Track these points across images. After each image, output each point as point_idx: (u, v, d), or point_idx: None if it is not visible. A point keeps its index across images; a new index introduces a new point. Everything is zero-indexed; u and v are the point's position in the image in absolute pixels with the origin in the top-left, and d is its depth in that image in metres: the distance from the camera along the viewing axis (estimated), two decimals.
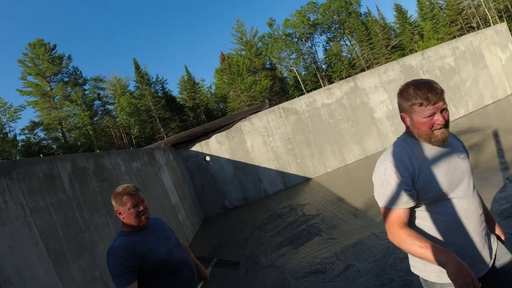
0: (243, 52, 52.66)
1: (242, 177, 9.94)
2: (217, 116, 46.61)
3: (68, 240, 3.67)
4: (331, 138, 10.05)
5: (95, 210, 4.39)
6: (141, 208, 2.21)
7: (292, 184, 10.01)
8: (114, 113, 43.13)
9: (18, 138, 36.58)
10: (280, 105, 10.20)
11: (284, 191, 9.79)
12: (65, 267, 3.44)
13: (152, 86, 47.35)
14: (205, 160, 9.95)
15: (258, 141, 9.98)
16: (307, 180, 9.98)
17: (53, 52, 41.51)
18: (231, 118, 10.21)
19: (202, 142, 9.96)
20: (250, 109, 10.47)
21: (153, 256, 2.15)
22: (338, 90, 10.09)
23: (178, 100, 50.85)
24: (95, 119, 41.25)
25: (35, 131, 39.04)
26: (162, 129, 42.71)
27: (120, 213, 2.20)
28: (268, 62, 54.37)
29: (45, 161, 3.99)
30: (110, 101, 45.03)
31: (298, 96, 11.46)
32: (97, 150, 34.13)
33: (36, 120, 39.53)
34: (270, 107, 10.46)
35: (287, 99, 39.60)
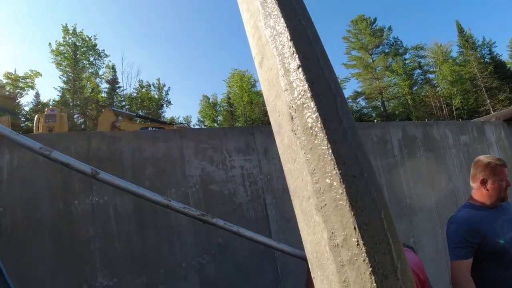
0: None
1: None
2: None
3: (391, 203, 3.91)
4: None
5: (419, 179, 4.44)
6: (509, 183, 2.14)
7: None
8: (434, 82, 41.15)
9: None
10: None
11: None
12: None
13: (478, 50, 41.02)
14: None
15: None
16: None
17: (373, 25, 43.50)
18: None
19: None
20: None
21: (494, 240, 2.00)
22: None
23: (508, 66, 41.80)
24: (415, 88, 40.98)
25: (357, 100, 43.88)
26: (488, 101, 36.93)
27: (485, 183, 2.14)
28: None
29: (379, 126, 4.35)
30: (430, 70, 43.13)
31: None
32: (415, 120, 34.16)
33: (359, 90, 44.09)
34: None
35: None
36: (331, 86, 0.58)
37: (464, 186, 5.25)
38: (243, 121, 37.77)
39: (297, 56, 0.56)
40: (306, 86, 0.55)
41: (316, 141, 0.54)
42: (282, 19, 0.58)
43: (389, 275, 0.47)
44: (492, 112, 31.51)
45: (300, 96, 0.56)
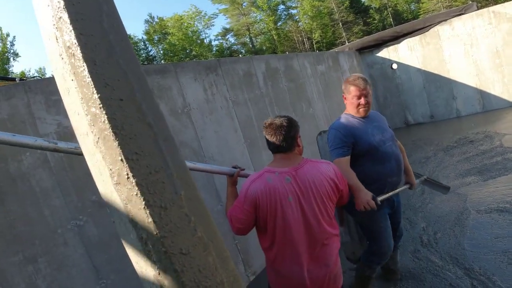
0: None
1: (432, 91, 8.81)
2: (406, 19, 41.03)
3: (261, 131, 4.13)
4: None
5: (284, 107, 4.74)
6: (362, 102, 2.41)
7: (493, 107, 8.32)
8: (297, 17, 43.39)
9: (213, 43, 42.00)
10: (491, 8, 8.05)
11: (481, 114, 8.32)
12: (256, 152, 3.93)
13: None
14: (392, 68, 9.15)
15: (458, 50, 8.40)
16: None
17: None
18: (428, 20, 8.75)
19: (390, 47, 9.03)
20: (452, 10, 8.69)
21: (366, 140, 2.38)
22: None
23: (363, 1, 46.68)
24: (279, 24, 42.56)
25: (226, 37, 43.74)
26: (344, 34, 41.00)
27: (345, 98, 2.51)
28: None
29: (244, 61, 4.40)
30: (293, 5, 45.08)
31: None
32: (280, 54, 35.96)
33: (227, 26, 43.78)
34: (477, 9, 8.42)
35: (496, 3, 31.11)
36: None
37: (322, 109, 5.85)
38: None
39: None
40: None
41: (75, 62, 0.43)
42: None
43: (170, 205, 0.43)
44: (347, 43, 35.26)
45: (57, 8, 0.44)
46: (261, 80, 4.50)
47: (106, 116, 0.43)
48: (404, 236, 3.72)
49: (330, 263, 1.81)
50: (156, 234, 0.42)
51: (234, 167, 2.08)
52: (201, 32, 41.50)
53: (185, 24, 39.54)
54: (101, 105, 0.43)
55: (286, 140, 1.78)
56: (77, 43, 0.43)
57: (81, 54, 0.43)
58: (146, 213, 0.42)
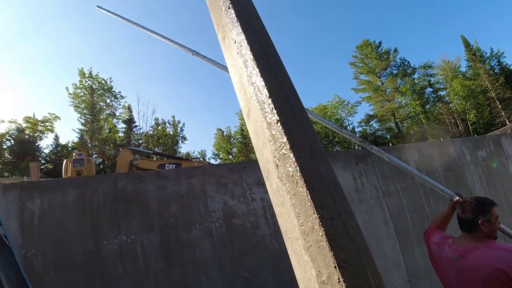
0: None
1: None
2: None
3: (414, 224, 3.85)
4: None
5: (440, 198, 4.35)
6: None
7: None
8: (446, 98, 40.85)
9: (356, 129, 42.68)
10: None
11: None
12: (408, 249, 3.62)
13: (487, 62, 40.68)
14: None
15: None
16: None
17: (379, 49, 44.15)
18: None
19: None
20: None
21: None
22: None
23: None
24: (427, 106, 40.69)
25: (370, 123, 43.80)
26: (502, 112, 36.13)
27: None
28: None
29: (395, 149, 4.37)
30: (441, 87, 42.92)
31: None
32: (431, 139, 33.53)
33: (371, 113, 44.08)
34: None
35: None
36: (308, 136, 0.64)
37: None
38: None
39: (275, 112, 0.63)
40: (285, 138, 0.61)
41: (297, 188, 0.59)
42: (261, 77, 0.65)
43: None
44: (508, 123, 30.86)
45: (281, 147, 0.62)
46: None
47: (323, 232, 0.57)
48: None
49: None
50: None
51: (458, 194, 2.32)
52: (344, 119, 42.75)
53: (329, 113, 41.56)
54: (320, 223, 0.58)
55: (466, 222, 1.91)
56: (300, 175, 0.61)
57: (304, 184, 0.61)
58: None
